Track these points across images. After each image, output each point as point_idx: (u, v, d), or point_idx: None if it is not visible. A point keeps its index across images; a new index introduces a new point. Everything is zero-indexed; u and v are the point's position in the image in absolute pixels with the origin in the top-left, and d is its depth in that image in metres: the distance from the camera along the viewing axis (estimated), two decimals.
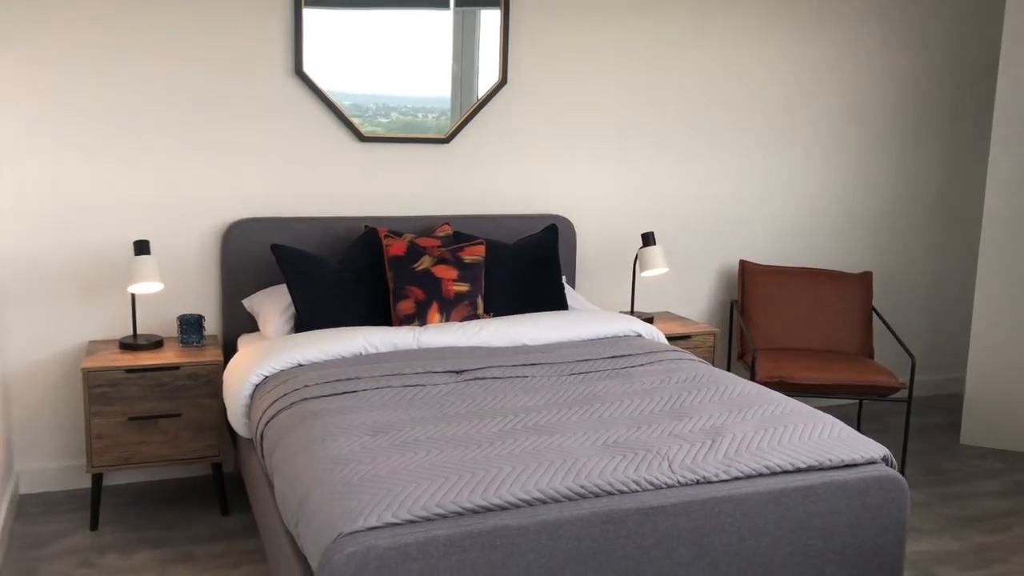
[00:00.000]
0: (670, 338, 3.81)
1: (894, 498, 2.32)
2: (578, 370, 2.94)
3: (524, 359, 3.00)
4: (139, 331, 3.54)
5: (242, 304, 3.56)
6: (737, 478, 2.21)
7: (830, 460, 2.29)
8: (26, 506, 3.40)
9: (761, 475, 2.23)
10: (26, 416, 3.47)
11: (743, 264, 4.36)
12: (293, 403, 2.60)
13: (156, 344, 3.37)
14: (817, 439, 2.38)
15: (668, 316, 4.20)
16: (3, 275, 3.35)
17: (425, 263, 3.33)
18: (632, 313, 4.05)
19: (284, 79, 3.59)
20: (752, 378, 3.83)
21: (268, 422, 2.59)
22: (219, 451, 3.32)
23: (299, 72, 3.59)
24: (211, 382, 3.27)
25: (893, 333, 4.05)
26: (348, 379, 2.75)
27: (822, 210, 4.62)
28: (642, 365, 3.00)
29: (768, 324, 4.27)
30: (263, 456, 2.58)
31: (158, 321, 3.56)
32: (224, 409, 3.25)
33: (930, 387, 5.05)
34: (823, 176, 4.59)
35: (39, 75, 3.28)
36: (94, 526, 3.23)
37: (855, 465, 2.32)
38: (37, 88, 3.29)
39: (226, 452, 3.53)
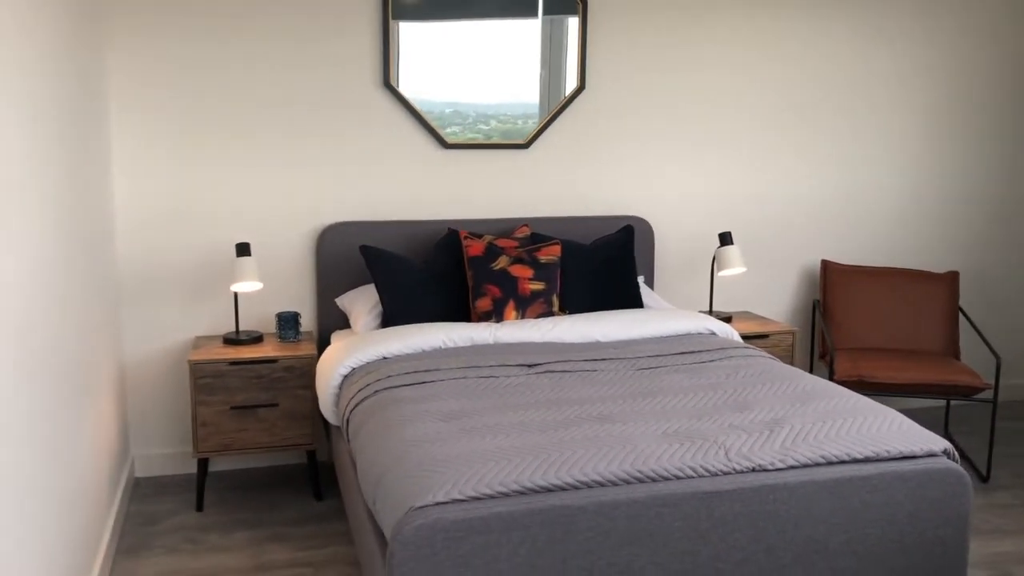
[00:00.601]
0: (747, 337, 3.86)
1: (955, 491, 2.34)
2: (647, 365, 3.04)
3: (595, 354, 3.12)
4: (241, 327, 3.82)
5: (335, 302, 3.79)
6: (792, 467, 2.28)
7: (887, 451, 2.33)
8: (140, 488, 3.71)
9: (817, 464, 2.30)
10: (139, 405, 3.78)
11: (825, 264, 4.37)
12: (376, 391, 2.79)
13: (256, 339, 3.63)
14: (876, 432, 2.42)
15: (747, 316, 4.24)
16: (120, 276, 3.67)
17: (502, 263, 3.49)
18: (710, 313, 4.11)
19: (373, 91, 3.81)
20: (831, 377, 3.85)
21: (353, 408, 2.79)
22: (312, 439, 3.56)
23: (387, 84, 3.80)
24: (306, 374, 3.50)
25: (979, 333, 3.99)
26: (427, 370, 2.92)
27: (906, 209, 4.58)
28: (712, 361, 3.08)
29: (850, 324, 4.26)
30: (348, 440, 2.78)
31: (258, 318, 3.83)
32: (317, 399, 3.48)
33: (1020, 391, 4.92)
34: (907, 175, 4.54)
35: (154, 93, 3.59)
36: (199, 507, 3.50)
37: (914, 457, 2.36)
38: (152, 105, 3.59)
39: (319, 440, 3.77)
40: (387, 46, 3.78)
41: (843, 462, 2.31)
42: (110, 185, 3.53)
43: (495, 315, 3.43)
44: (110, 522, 3.13)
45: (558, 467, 2.17)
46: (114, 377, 3.44)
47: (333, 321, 3.84)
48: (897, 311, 4.27)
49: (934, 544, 2.36)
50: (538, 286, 3.48)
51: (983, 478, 3.80)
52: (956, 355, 4.23)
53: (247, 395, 3.47)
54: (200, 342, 3.66)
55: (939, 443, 2.39)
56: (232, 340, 3.61)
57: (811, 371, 4.46)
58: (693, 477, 2.21)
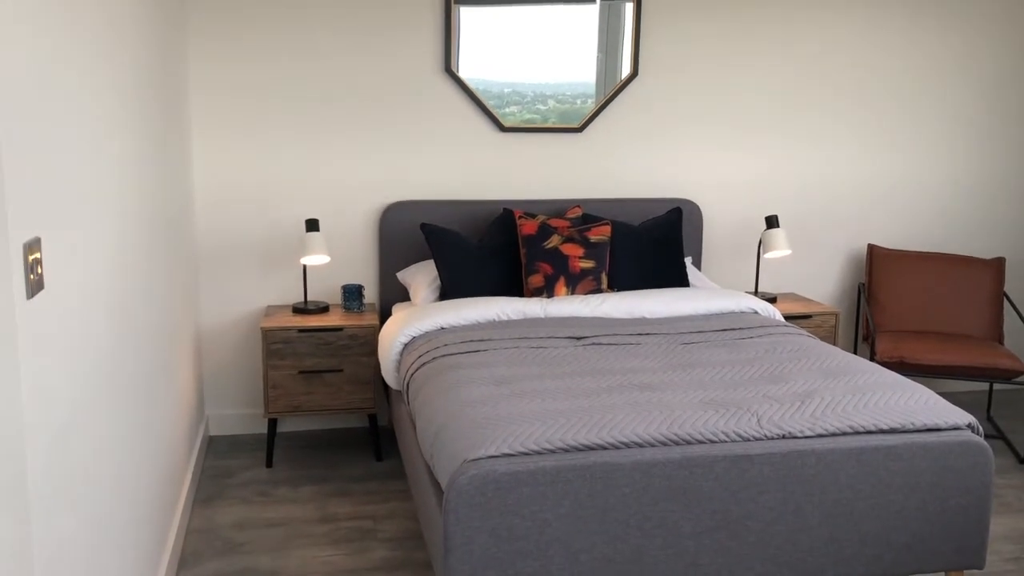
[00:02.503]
0: (790, 317, 3.99)
1: (977, 462, 2.48)
2: (689, 340, 3.21)
3: (640, 329, 3.30)
4: (309, 298, 4.07)
5: (396, 276, 4.02)
6: (820, 435, 2.44)
7: (912, 424, 2.48)
8: (215, 445, 4.00)
9: (844, 434, 2.45)
10: (214, 368, 4.07)
11: (871, 248, 4.46)
12: (434, 358, 3.01)
13: (323, 309, 3.89)
14: (903, 405, 2.56)
15: (792, 297, 4.37)
16: (199, 248, 3.95)
17: (554, 241, 3.68)
18: (756, 293, 4.24)
19: (434, 76, 4.02)
20: (872, 357, 3.96)
21: (413, 374, 3.01)
22: (374, 403, 3.80)
23: (448, 70, 4.00)
24: (368, 343, 3.75)
25: (1023, 317, 4.06)
26: (481, 340, 3.13)
27: (953, 194, 4.64)
28: (751, 338, 3.23)
29: (894, 307, 4.36)
30: (408, 402, 3.00)
31: (325, 289, 4.08)
32: (379, 367, 3.72)
33: None
34: (954, 160, 4.60)
35: (230, 78, 3.85)
36: (269, 464, 3.77)
37: (938, 430, 2.50)
38: (228, 89, 3.85)
39: (380, 405, 4.01)
40: (448, 33, 3.97)
41: (869, 432, 2.46)
42: (190, 165, 3.80)
43: (546, 291, 3.62)
44: (188, 475, 3.42)
45: (600, 428, 2.36)
46: (192, 342, 3.72)
47: (394, 294, 4.07)
48: (941, 296, 4.35)
49: (956, 512, 2.50)
50: (588, 264, 3.66)
51: (1021, 459, 3.89)
52: (1000, 340, 4.30)
53: (314, 360, 3.72)
54: (271, 311, 3.93)
55: (964, 417, 2.53)
56: (301, 309, 3.86)
57: (855, 352, 4.58)
58: (726, 441, 2.39)
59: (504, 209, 3.94)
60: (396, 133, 4.03)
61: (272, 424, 3.79)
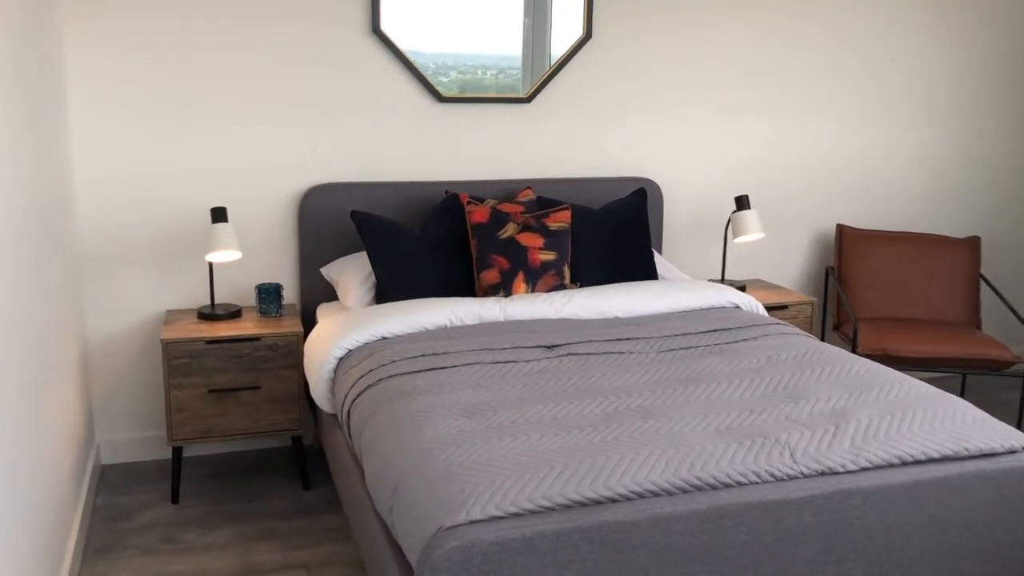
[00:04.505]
0: (766, 308, 3.60)
1: None
2: (677, 345, 2.77)
3: (617, 332, 2.83)
4: (217, 300, 3.46)
5: (320, 272, 3.45)
6: (866, 468, 2.02)
7: (966, 449, 2.09)
8: (109, 477, 3.37)
9: (892, 465, 2.04)
10: (105, 386, 3.43)
11: (840, 228, 4.11)
12: (381, 379, 2.48)
13: (234, 314, 3.29)
14: (951, 425, 2.17)
15: (761, 284, 3.98)
16: (82, 244, 3.29)
17: (510, 230, 3.17)
18: (723, 281, 3.85)
19: (360, 38, 3.43)
20: (853, 350, 3.62)
21: (355, 399, 2.48)
22: (299, 424, 3.24)
23: (376, 30, 3.43)
24: (291, 353, 3.18)
25: (1007, 303, 3.78)
26: (436, 354, 2.61)
27: (924, 171, 4.33)
28: (745, 340, 2.81)
29: (867, 292, 4.03)
30: (350, 436, 2.47)
31: (235, 290, 3.48)
32: (304, 381, 3.16)
33: None
34: (924, 135, 4.29)
35: (112, 40, 3.18)
36: (175, 499, 3.18)
37: (994, 455, 2.12)
38: (110, 52, 3.19)
39: (306, 425, 3.46)
40: None
41: (919, 462, 2.06)
42: (67, 144, 3.12)
43: (503, 288, 3.12)
44: (77, 518, 2.81)
45: (607, 475, 1.89)
46: (76, 355, 3.08)
47: (319, 293, 3.50)
48: (915, 279, 4.04)
49: (1011, 548, 2.13)
50: (549, 256, 3.17)
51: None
52: (978, 325, 4.02)
53: (226, 377, 3.14)
54: (172, 317, 3.31)
55: (1018, 437, 2.15)
56: (207, 315, 3.26)
57: (823, 340, 4.23)
58: (758, 483, 1.95)
59: (447, 192, 3.41)
60: (316, 105, 3.44)
61: (177, 453, 3.18)
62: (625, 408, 2.23)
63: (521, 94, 3.66)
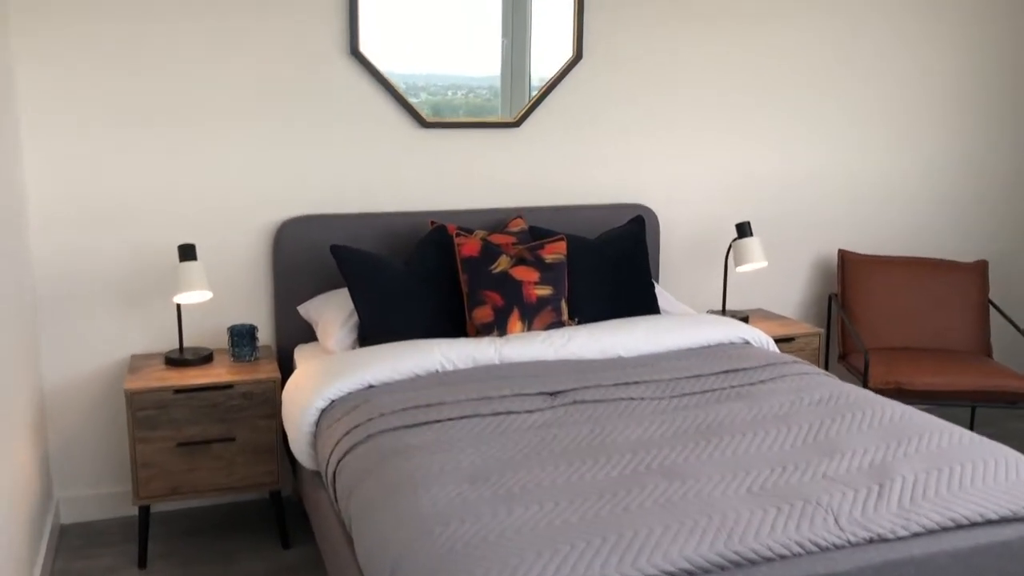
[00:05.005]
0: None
1: None
2: (690, 389, 2.55)
3: (624, 376, 2.61)
4: (186, 344, 3.20)
5: (298, 311, 3.20)
6: (918, 534, 1.81)
7: None
8: (68, 538, 3.09)
9: (945, 529, 1.83)
10: (65, 438, 3.15)
11: (843, 254, 3.94)
12: (370, 435, 2.24)
13: (205, 359, 3.04)
14: (1004, 481, 1.97)
15: (763, 314, 3.79)
16: (38, 284, 3.03)
17: (503, 264, 2.95)
18: (724, 312, 3.65)
19: (339, 60, 3.21)
20: (865, 384, 3.43)
21: (342, 458, 2.23)
22: (278, 478, 2.99)
23: (355, 52, 3.21)
24: (268, 401, 2.92)
25: (1019, 329, 3.61)
26: (429, 405, 2.38)
27: (929, 193, 4.17)
28: (763, 382, 2.60)
29: (872, 320, 3.85)
30: (336, 498, 2.22)
31: (206, 332, 3.22)
32: (283, 431, 2.91)
33: None
34: (928, 156, 4.13)
35: (73, 62, 2.93)
36: (142, 563, 2.90)
37: None
38: (71, 77, 2.94)
39: (285, 478, 3.20)
40: (354, 6, 3.18)
41: (975, 524, 1.86)
42: (18, 173, 2.86)
43: (497, 327, 2.89)
44: None
45: (636, 551, 1.66)
46: (31, 404, 2.81)
47: (296, 333, 3.25)
48: (922, 305, 3.87)
49: None
50: (545, 291, 2.95)
51: None
52: (988, 353, 3.85)
53: (197, 429, 2.88)
54: (137, 363, 3.04)
55: None
56: (176, 360, 3.00)
57: (826, 371, 4.04)
58: (802, 555, 1.73)
59: (433, 223, 3.18)
60: (291, 132, 3.21)
61: (144, 511, 2.91)
62: (645, 468, 2.01)
63: (509, 118, 3.46)
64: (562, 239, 3.08)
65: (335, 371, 2.62)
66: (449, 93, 3.36)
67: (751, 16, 3.70)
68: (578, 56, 3.49)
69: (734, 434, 2.20)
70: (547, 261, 3.00)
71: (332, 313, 3.04)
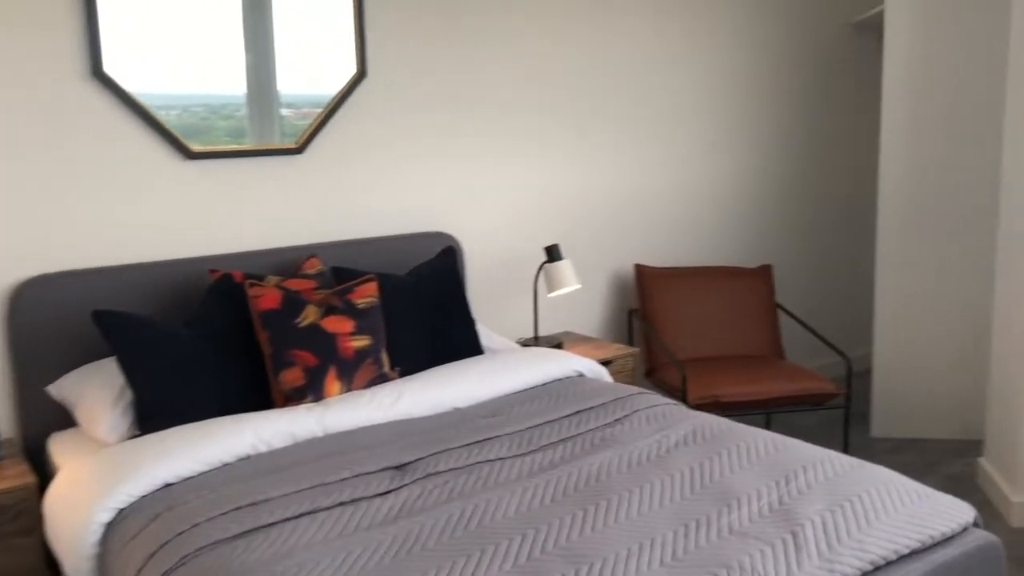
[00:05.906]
0: None
1: (993, 569, 1.88)
2: (546, 439, 2.29)
3: (470, 434, 2.31)
4: None
5: (48, 392, 2.59)
6: None
7: (931, 537, 1.81)
8: None
9: (866, 574, 1.71)
10: None
11: (639, 268, 3.88)
12: (184, 557, 1.77)
13: None
14: (904, 510, 1.88)
15: (574, 337, 3.63)
16: None
17: (310, 315, 2.54)
18: (537, 339, 3.45)
19: (80, 84, 2.64)
20: (684, 400, 3.36)
21: None
22: None
23: (98, 73, 2.65)
24: (23, 513, 2.30)
25: (810, 329, 3.72)
26: (254, 504, 1.93)
27: (712, 205, 4.23)
28: (619, 421, 2.40)
29: (673, 332, 3.82)
30: None
31: None
32: (47, 551, 2.31)
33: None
34: (708, 170, 4.19)
35: None
36: None
37: (952, 537, 1.86)
38: None
39: None
40: (94, 19, 2.62)
41: (889, 563, 1.75)
42: None
43: (311, 391, 2.47)
44: None
45: None
46: None
47: (46, 419, 2.63)
48: (717, 313, 3.90)
49: None
50: (363, 342, 2.58)
51: None
52: (781, 355, 3.95)
53: None
54: None
55: (967, 510, 1.91)
56: None
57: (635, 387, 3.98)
58: None
59: (211, 271, 2.70)
60: (25, 173, 2.59)
61: None
62: (541, 553, 1.72)
63: (291, 144, 3.03)
64: (372, 279, 2.72)
65: (117, 470, 2.09)
66: (202, 113, 2.86)
67: (535, 35, 3.54)
68: (362, 73, 3.14)
69: (619, 491, 1.96)
70: (359, 307, 2.63)
71: (96, 392, 2.47)
